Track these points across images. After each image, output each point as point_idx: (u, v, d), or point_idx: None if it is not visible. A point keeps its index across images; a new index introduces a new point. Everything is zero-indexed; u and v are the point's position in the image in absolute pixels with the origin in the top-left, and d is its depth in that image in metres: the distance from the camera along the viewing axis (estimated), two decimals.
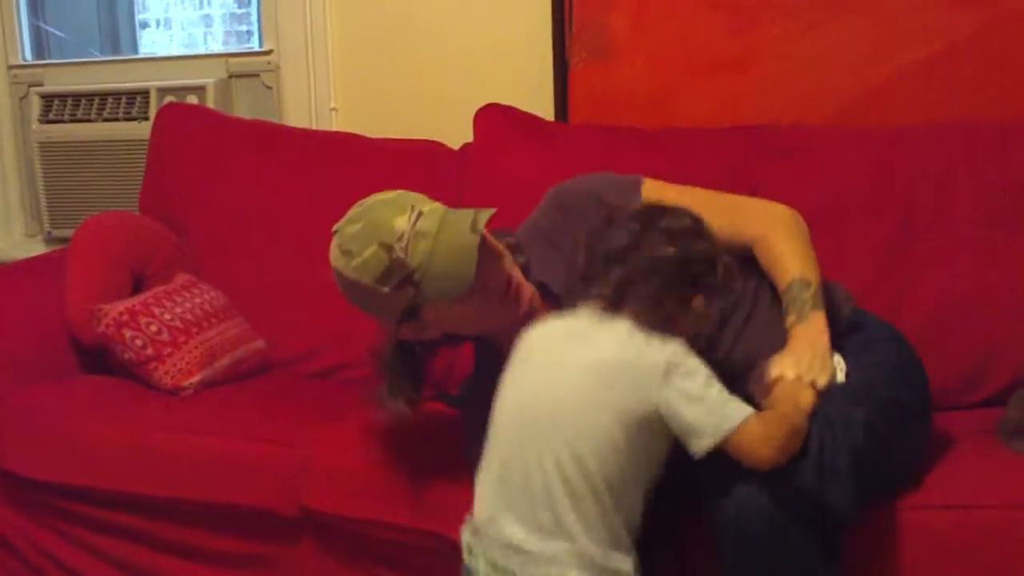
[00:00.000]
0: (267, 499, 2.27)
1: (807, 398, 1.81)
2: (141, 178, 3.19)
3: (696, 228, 1.82)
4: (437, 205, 1.92)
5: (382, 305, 1.90)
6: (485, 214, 1.88)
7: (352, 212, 1.93)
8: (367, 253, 1.85)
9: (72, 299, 2.70)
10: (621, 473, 1.70)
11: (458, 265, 1.84)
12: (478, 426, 1.99)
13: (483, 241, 1.87)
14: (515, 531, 1.74)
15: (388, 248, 1.84)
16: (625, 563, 1.73)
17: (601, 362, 1.73)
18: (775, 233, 2.04)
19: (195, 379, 2.56)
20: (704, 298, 1.80)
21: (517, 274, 1.99)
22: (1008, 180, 2.47)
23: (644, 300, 1.75)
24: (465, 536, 1.84)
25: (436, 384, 2.24)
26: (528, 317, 1.95)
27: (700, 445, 1.69)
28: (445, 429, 2.20)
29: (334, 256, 1.92)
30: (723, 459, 1.72)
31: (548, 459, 1.71)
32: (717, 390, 1.71)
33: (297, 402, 2.53)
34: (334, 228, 1.93)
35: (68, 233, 2.98)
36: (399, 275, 1.84)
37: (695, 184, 2.13)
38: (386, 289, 1.86)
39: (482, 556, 1.79)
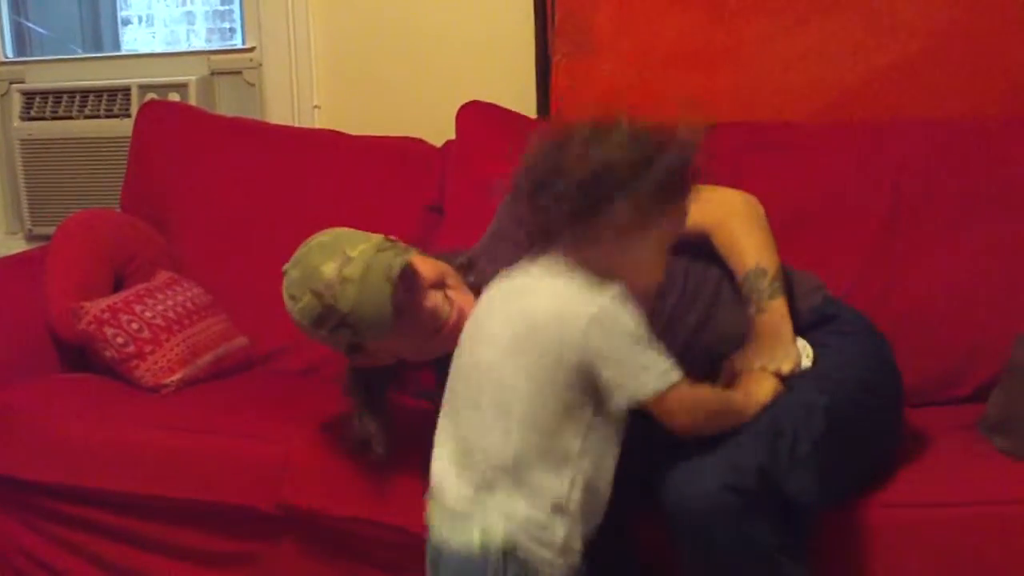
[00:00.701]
0: (248, 496, 2.27)
1: (766, 390, 1.82)
2: (123, 175, 3.19)
3: (624, 135, 1.66)
4: (369, 246, 1.95)
5: (328, 343, 2.01)
6: (401, 259, 1.94)
7: (295, 255, 2.01)
8: (304, 301, 1.95)
9: (53, 296, 2.70)
10: (553, 431, 1.67)
11: (379, 310, 1.91)
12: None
13: (407, 281, 1.95)
14: (453, 490, 1.74)
15: (319, 295, 1.93)
16: (558, 527, 1.69)
17: (528, 316, 1.69)
18: (731, 220, 2.05)
19: (176, 377, 2.56)
20: (633, 215, 1.63)
21: (460, 297, 2.03)
22: (990, 177, 2.48)
23: (564, 234, 1.67)
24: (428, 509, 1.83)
25: (416, 380, 2.24)
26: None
27: (614, 404, 1.66)
28: (425, 426, 2.19)
29: (284, 296, 2.01)
30: (678, 446, 1.74)
31: (481, 417, 1.71)
32: (641, 350, 1.65)
33: (279, 399, 2.53)
34: (283, 269, 2.02)
35: (49, 231, 2.96)
36: (333, 320, 1.93)
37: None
38: (324, 333, 1.96)
39: (434, 502, 1.79)
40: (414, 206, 2.90)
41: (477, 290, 2.06)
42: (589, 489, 1.71)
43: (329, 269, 1.93)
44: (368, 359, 2.06)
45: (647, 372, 1.65)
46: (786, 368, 1.89)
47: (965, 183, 2.49)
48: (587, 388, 1.66)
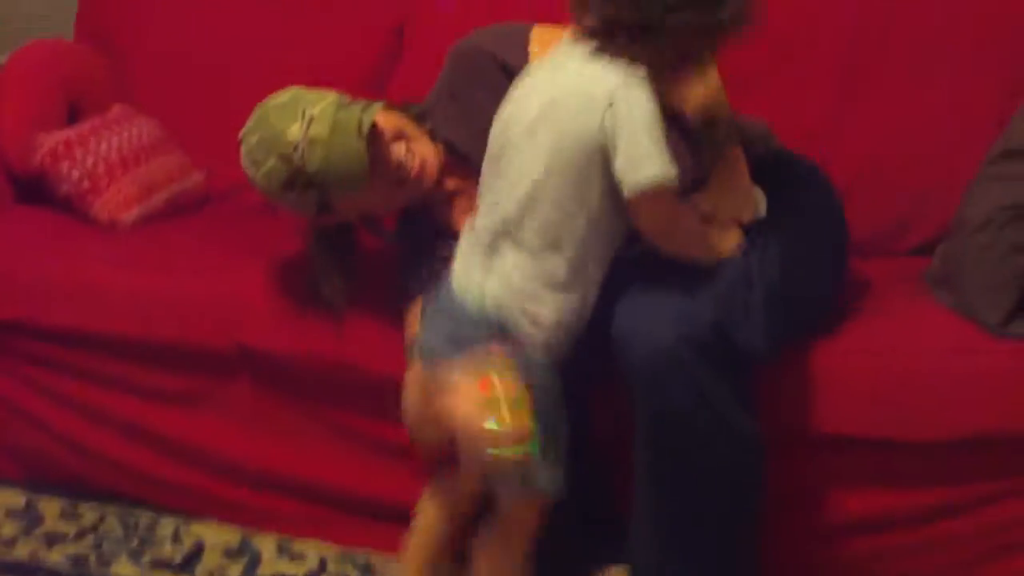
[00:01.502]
0: (205, 335, 2.29)
1: (731, 241, 1.86)
2: (75, 3, 3.12)
3: None
4: (327, 104, 1.97)
5: (295, 206, 2.03)
6: (370, 113, 1.96)
7: (251, 119, 2.03)
8: (268, 165, 1.97)
9: (6, 128, 2.66)
10: (567, 206, 1.73)
11: (352, 164, 1.93)
12: (410, 260, 2.10)
13: (374, 136, 1.97)
14: (466, 250, 1.84)
15: (286, 159, 1.95)
16: (550, 305, 1.76)
17: (552, 94, 1.74)
18: None
19: (132, 213, 2.56)
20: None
21: (421, 148, 2.06)
22: (946, 26, 2.47)
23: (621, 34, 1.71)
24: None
25: (376, 228, 2.26)
26: (438, 181, 2.09)
27: (623, 183, 1.70)
28: (382, 267, 2.22)
29: (244, 163, 2.04)
30: (635, 298, 1.79)
31: (501, 185, 1.79)
32: (649, 136, 1.69)
33: (235, 236, 2.53)
34: (239, 135, 2.04)
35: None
36: (301, 181, 1.96)
37: None
38: (292, 195, 1.98)
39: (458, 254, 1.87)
40: (376, 29, 2.85)
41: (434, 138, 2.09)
42: (587, 279, 1.78)
43: (294, 130, 1.94)
44: (333, 217, 2.08)
45: (653, 159, 1.68)
46: (745, 217, 1.92)
47: (924, 29, 2.48)
48: (600, 170, 1.71)
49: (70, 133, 2.61)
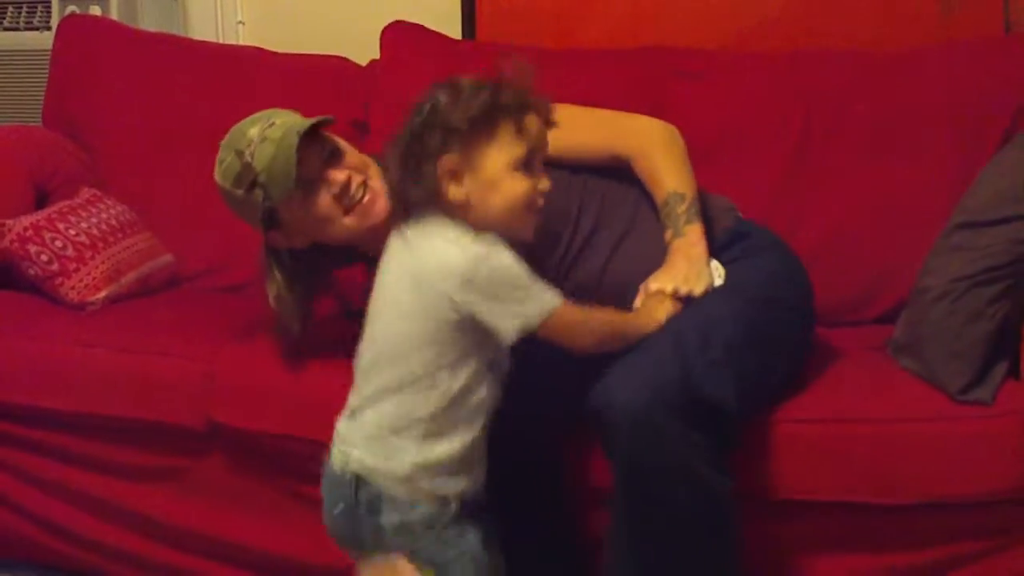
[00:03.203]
0: (175, 413, 2.30)
1: (665, 309, 1.90)
2: (43, 90, 3.14)
3: (434, 91, 1.81)
4: (295, 117, 2.05)
5: (244, 209, 2.07)
6: (317, 119, 2.05)
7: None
8: (226, 162, 2.04)
9: None
10: (432, 363, 1.77)
11: (287, 164, 1.98)
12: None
13: (318, 139, 2.04)
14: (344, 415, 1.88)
15: (240, 154, 2.02)
16: (406, 457, 1.79)
17: (409, 271, 1.79)
18: (652, 148, 2.11)
19: (101, 294, 2.56)
20: (453, 155, 1.75)
21: (378, 185, 2.09)
22: (900, 106, 2.54)
23: (416, 199, 1.78)
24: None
25: (343, 298, 2.28)
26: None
27: (504, 339, 1.75)
28: (353, 344, 2.23)
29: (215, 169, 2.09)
30: (599, 365, 1.81)
31: (368, 351, 1.84)
32: (517, 288, 1.73)
33: (205, 317, 2.54)
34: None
35: None
36: (248, 178, 2.01)
37: (597, 104, 2.19)
38: (240, 192, 2.03)
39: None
40: (338, 125, 2.89)
41: None
42: (466, 424, 1.81)
43: (254, 131, 2.02)
44: (283, 237, 2.10)
45: (526, 304, 1.74)
46: (699, 289, 1.95)
47: (875, 113, 2.55)
48: (466, 330, 1.75)
49: (38, 217, 2.62)
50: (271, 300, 2.15)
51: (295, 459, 2.24)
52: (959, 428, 1.98)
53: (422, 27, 2.93)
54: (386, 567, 1.81)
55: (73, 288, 2.55)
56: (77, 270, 2.56)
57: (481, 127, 1.76)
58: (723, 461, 1.84)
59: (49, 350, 2.39)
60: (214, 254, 2.81)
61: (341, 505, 1.83)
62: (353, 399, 1.86)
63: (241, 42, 3.33)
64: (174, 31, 3.32)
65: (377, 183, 2.09)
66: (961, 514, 1.99)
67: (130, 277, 2.65)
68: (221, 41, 3.32)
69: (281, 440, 2.23)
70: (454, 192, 1.76)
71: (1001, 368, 2.03)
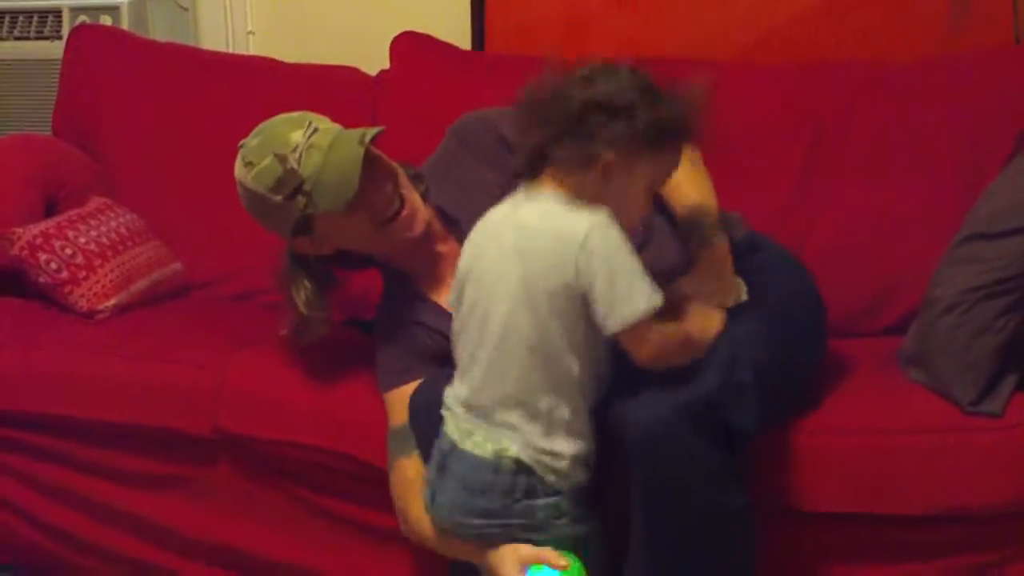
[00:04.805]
0: (184, 420, 2.30)
1: (715, 323, 1.88)
2: (54, 99, 3.15)
3: (623, 78, 1.73)
4: (335, 125, 2.02)
5: (277, 215, 2.01)
6: (373, 130, 1.99)
7: (256, 129, 2.05)
8: (263, 163, 1.97)
9: None
10: (555, 354, 1.74)
11: (345, 175, 1.93)
12: (388, 351, 2.08)
13: (371, 155, 1.98)
14: (463, 415, 1.82)
15: (282, 159, 1.96)
16: (565, 446, 1.78)
17: (519, 241, 1.74)
18: None
19: (111, 302, 2.57)
20: (619, 153, 1.70)
21: (413, 197, 2.07)
22: (907, 118, 2.54)
23: (554, 164, 1.72)
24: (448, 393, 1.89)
25: (350, 308, 2.28)
26: (426, 240, 2.09)
27: (605, 326, 1.71)
28: (359, 353, 2.24)
29: (237, 168, 2.04)
30: (628, 376, 1.79)
31: (487, 354, 1.77)
32: (628, 272, 1.69)
33: (214, 325, 2.55)
34: (240, 144, 2.05)
35: None
36: (291, 184, 1.95)
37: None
38: (279, 198, 1.97)
39: (451, 418, 1.85)
40: None
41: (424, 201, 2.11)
42: (590, 396, 1.80)
43: (297, 135, 1.97)
44: (311, 244, 2.06)
45: (636, 295, 1.69)
46: (729, 303, 1.95)
47: (883, 123, 2.55)
48: (581, 310, 1.71)
49: (48, 225, 2.63)
50: (301, 306, 2.11)
51: (302, 467, 2.25)
52: (969, 440, 1.97)
53: (432, 38, 2.94)
54: (526, 551, 1.79)
55: (83, 296, 2.56)
56: (87, 278, 2.57)
57: (656, 138, 1.72)
58: (742, 480, 1.85)
59: (58, 357, 2.40)
60: (224, 263, 2.81)
61: (494, 493, 1.78)
62: (472, 393, 1.80)
63: (251, 52, 3.33)
64: (184, 41, 3.32)
65: (410, 194, 2.07)
66: (971, 526, 1.99)
67: (139, 285, 2.65)
68: (231, 51, 3.32)
69: (289, 448, 2.24)
70: (590, 183, 1.71)
71: (1010, 381, 2.03)
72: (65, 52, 3.15)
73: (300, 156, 1.95)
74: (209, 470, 2.34)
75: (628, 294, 1.69)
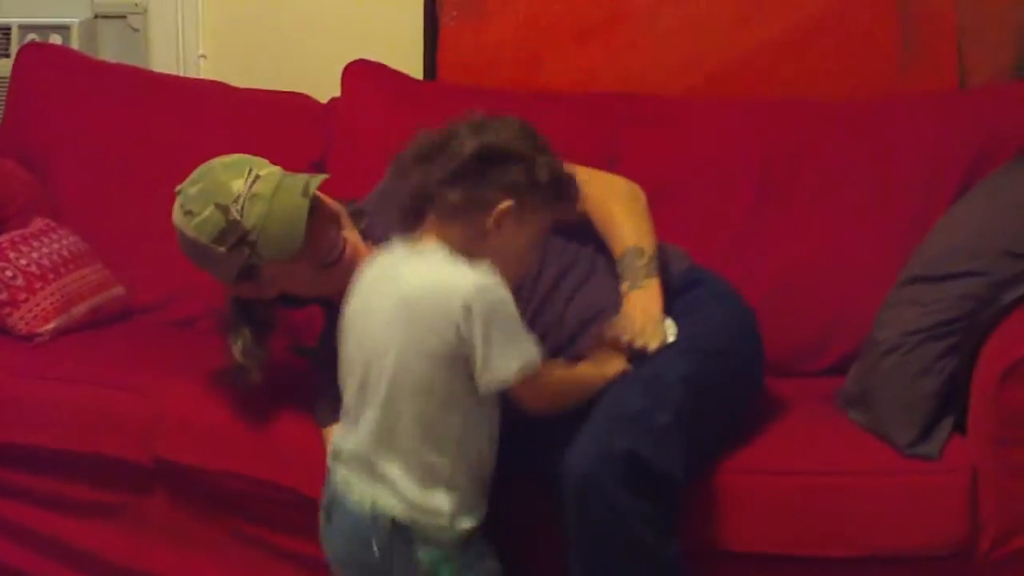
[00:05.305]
0: (122, 448, 2.28)
1: (616, 367, 1.89)
2: (0, 117, 3.13)
3: (515, 128, 1.76)
4: (275, 169, 2.00)
5: (219, 264, 1.99)
6: (317, 179, 1.97)
7: (194, 173, 2.02)
8: (205, 213, 1.94)
9: None
10: (437, 411, 1.73)
11: (290, 227, 1.92)
12: (324, 382, 2.05)
13: (315, 204, 1.96)
14: (348, 459, 1.81)
15: (224, 209, 1.93)
16: (444, 502, 1.75)
17: (403, 301, 1.73)
18: (612, 202, 2.10)
19: (51, 326, 2.54)
20: (516, 202, 1.72)
21: (353, 237, 2.06)
22: (855, 158, 2.56)
23: (442, 208, 1.72)
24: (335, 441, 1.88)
25: (294, 335, 2.26)
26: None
27: (480, 385, 1.71)
28: (300, 383, 2.22)
29: (176, 215, 2.00)
30: (549, 426, 1.80)
31: (367, 399, 1.77)
32: (509, 332, 1.70)
33: (154, 351, 2.53)
34: (177, 189, 2.01)
35: None
36: (235, 235, 1.93)
37: (558, 150, 2.19)
38: (222, 249, 1.95)
39: (336, 466, 1.84)
40: (297, 162, 2.89)
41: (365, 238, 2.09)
42: (474, 462, 1.78)
43: (238, 184, 1.94)
44: (254, 289, 2.05)
45: (514, 353, 1.70)
46: (653, 345, 1.94)
47: (831, 164, 2.57)
48: (464, 368, 1.71)
49: None
50: (237, 354, 2.09)
51: (240, 498, 2.23)
52: (906, 482, 1.99)
53: (384, 66, 2.94)
54: None
55: (22, 319, 2.53)
56: (26, 300, 2.54)
57: (550, 193, 1.75)
58: (671, 526, 1.85)
59: None
60: (166, 287, 2.78)
61: (371, 549, 1.76)
62: (356, 445, 1.79)
63: (202, 76, 3.31)
64: (135, 63, 3.30)
65: (352, 234, 2.06)
66: (906, 568, 1.99)
67: (80, 308, 2.63)
68: (182, 74, 3.30)
69: (227, 478, 2.21)
70: (476, 233, 1.72)
71: (947, 423, 2.04)
72: (13, 70, 3.13)
73: (243, 207, 1.93)
74: (145, 498, 2.32)
75: (503, 355, 1.69)
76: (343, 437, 1.84)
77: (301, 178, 1.97)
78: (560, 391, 1.82)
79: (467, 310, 1.67)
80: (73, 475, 2.34)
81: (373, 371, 1.76)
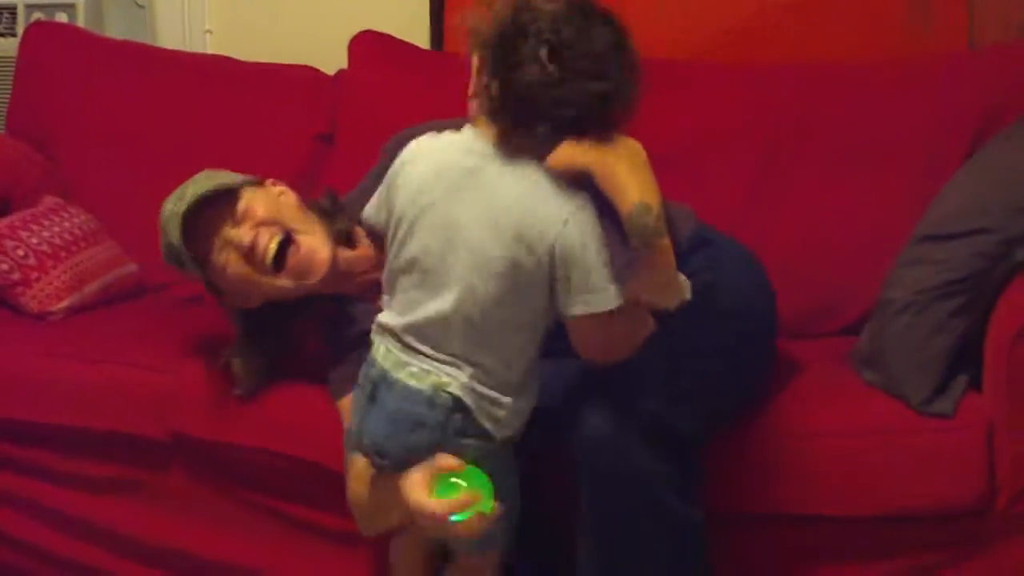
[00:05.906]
0: (138, 424, 2.28)
1: (649, 326, 1.87)
2: (8, 97, 3.13)
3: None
4: (217, 183, 2.02)
5: (192, 280, 2.07)
6: (221, 187, 2.02)
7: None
8: (162, 240, 2.02)
9: None
10: (503, 317, 1.72)
11: (165, 237, 1.99)
12: (337, 365, 2.08)
13: (196, 210, 1.98)
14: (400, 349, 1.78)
15: (163, 232, 2.01)
16: (508, 399, 1.74)
17: (497, 210, 1.70)
18: (614, 160, 2.08)
19: (63, 304, 2.55)
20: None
21: (307, 241, 2.05)
22: (865, 119, 2.55)
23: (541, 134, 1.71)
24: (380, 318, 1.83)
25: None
26: (348, 269, 2.11)
27: (566, 312, 1.71)
28: (315, 356, 2.22)
29: None
30: (573, 389, 1.80)
31: (442, 301, 1.72)
32: (604, 264, 1.71)
33: (168, 327, 2.51)
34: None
35: None
36: (173, 256, 2.00)
37: None
38: (178, 269, 2.02)
39: (383, 343, 1.80)
40: (304, 135, 2.91)
41: (349, 231, 2.11)
42: (533, 379, 1.78)
43: (168, 206, 2.00)
44: (235, 300, 2.09)
45: (606, 289, 1.70)
46: (669, 304, 1.94)
47: (841, 124, 2.56)
48: (545, 292, 1.70)
49: (0, 225, 2.60)
50: (239, 372, 2.16)
51: (257, 471, 2.23)
52: (921, 440, 1.99)
53: (391, 37, 2.93)
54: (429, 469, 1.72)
55: (35, 298, 2.53)
56: (39, 279, 2.54)
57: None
58: (693, 492, 1.85)
59: (9, 360, 2.37)
60: None
61: (424, 428, 1.72)
62: (428, 342, 1.74)
63: (208, 51, 3.31)
64: (141, 39, 3.30)
65: (308, 237, 2.05)
66: (923, 525, 2.00)
67: (93, 287, 2.63)
68: (188, 50, 3.30)
69: (243, 452, 2.22)
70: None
71: (962, 381, 2.04)
72: (19, 50, 3.12)
73: (166, 228, 1.99)
74: (162, 474, 2.32)
75: (596, 289, 1.69)
76: (393, 317, 1.78)
77: (208, 185, 2.00)
78: (619, 339, 1.78)
79: (569, 233, 1.68)
80: (89, 452, 2.34)
81: (455, 256, 1.71)
